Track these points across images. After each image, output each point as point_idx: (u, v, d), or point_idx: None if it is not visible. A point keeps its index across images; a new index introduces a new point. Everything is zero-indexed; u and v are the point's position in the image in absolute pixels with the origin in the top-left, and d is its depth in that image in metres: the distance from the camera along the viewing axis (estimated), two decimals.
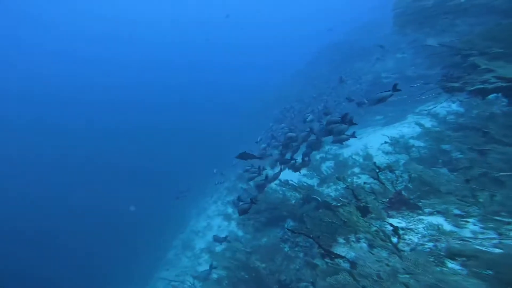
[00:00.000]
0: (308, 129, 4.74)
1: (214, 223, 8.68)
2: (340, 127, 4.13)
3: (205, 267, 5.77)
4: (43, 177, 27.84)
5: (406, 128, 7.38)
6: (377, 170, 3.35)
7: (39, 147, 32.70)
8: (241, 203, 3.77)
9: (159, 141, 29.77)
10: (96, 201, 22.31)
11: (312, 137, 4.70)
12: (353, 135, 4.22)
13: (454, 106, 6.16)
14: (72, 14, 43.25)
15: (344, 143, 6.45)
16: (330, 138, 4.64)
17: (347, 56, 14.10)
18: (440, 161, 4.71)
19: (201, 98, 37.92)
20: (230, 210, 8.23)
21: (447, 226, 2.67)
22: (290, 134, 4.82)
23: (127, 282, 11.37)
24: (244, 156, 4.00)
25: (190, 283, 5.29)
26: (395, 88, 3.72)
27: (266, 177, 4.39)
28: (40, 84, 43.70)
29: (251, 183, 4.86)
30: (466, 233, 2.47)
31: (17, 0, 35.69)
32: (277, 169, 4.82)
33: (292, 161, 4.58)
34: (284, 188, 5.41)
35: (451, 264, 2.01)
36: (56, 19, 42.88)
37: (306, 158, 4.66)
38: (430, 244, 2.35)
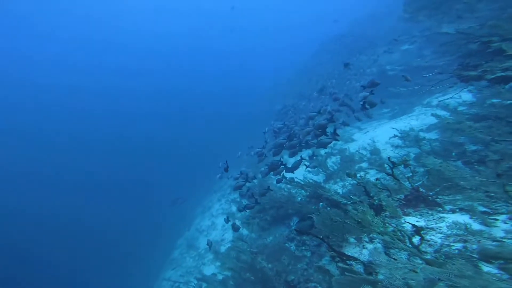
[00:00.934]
0: (298, 139, 4.79)
1: (218, 221, 8.54)
2: (325, 140, 4.34)
3: (210, 267, 5.63)
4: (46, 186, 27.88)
5: (415, 121, 7.07)
6: (391, 165, 3.10)
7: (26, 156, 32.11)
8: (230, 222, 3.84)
9: (165, 149, 29.59)
10: (97, 206, 22.50)
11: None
12: (334, 138, 4.33)
13: (468, 96, 5.83)
14: (68, 21, 42.56)
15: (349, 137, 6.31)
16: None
17: (351, 49, 13.67)
18: (454, 154, 4.44)
19: (208, 104, 37.15)
20: (234, 208, 8.08)
21: (474, 225, 2.42)
22: (280, 141, 4.81)
23: (133, 282, 11.40)
24: (226, 169, 4.62)
25: (194, 284, 5.16)
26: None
27: (253, 195, 4.34)
28: (33, 92, 42.99)
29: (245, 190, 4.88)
30: (497, 232, 2.22)
31: (9, 8, 34.90)
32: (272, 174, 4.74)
33: (282, 166, 4.50)
34: (289, 186, 5.19)
35: (486, 268, 1.78)
36: (52, 26, 41.96)
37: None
38: (459, 245, 2.11)
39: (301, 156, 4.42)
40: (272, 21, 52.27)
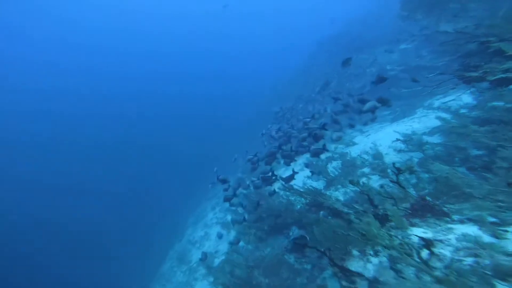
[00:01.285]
0: (290, 148, 4.82)
1: (212, 232, 8.18)
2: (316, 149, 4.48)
3: (202, 283, 5.29)
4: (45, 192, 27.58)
5: (417, 124, 6.90)
6: (397, 172, 2.93)
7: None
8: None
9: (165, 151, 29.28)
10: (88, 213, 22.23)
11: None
12: (324, 148, 4.51)
13: (469, 98, 5.71)
14: (59, 25, 42.41)
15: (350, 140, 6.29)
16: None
17: (349, 49, 13.48)
18: (457, 159, 4.28)
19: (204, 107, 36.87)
20: (229, 217, 7.78)
21: (484, 237, 2.24)
22: (272, 149, 4.82)
23: None
24: (222, 180, 4.87)
25: None
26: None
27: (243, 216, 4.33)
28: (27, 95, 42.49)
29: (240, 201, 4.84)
30: (509, 245, 2.04)
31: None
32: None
33: (274, 178, 4.50)
34: (288, 193, 5.00)
35: (502, 286, 1.59)
36: (44, 29, 41.46)
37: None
38: (470, 260, 1.93)
39: (293, 170, 4.36)
40: (271, 23, 52.60)
